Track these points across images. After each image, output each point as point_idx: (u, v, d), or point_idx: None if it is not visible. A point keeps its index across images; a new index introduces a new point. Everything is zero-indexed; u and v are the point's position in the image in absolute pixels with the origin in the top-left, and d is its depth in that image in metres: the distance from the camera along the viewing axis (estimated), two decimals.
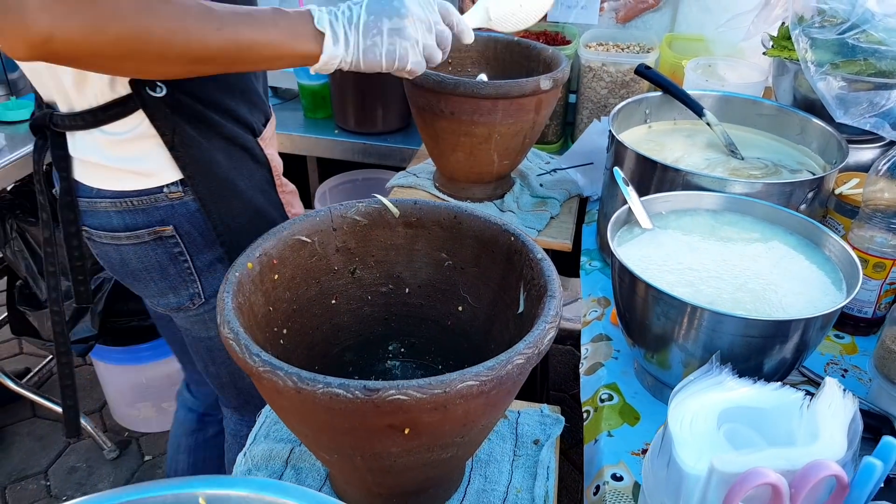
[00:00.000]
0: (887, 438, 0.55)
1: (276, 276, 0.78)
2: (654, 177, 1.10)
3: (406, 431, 0.61)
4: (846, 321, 1.09)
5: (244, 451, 0.87)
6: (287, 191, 1.16)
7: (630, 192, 0.99)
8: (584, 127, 1.67)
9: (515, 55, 1.43)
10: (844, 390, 0.62)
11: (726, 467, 0.53)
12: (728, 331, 0.82)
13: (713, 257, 0.94)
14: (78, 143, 0.98)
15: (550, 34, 1.71)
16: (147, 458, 2.07)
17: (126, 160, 0.96)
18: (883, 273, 1.03)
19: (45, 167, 1.05)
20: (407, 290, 0.87)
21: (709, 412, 0.62)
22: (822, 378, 1.00)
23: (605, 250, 1.27)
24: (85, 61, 0.74)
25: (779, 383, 0.65)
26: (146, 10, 0.71)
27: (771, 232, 1.00)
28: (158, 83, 0.91)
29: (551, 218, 1.37)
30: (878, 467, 0.52)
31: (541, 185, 1.45)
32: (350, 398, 0.57)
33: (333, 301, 0.85)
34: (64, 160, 0.99)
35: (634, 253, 0.95)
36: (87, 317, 1.73)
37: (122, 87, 0.91)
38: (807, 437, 0.58)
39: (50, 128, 0.98)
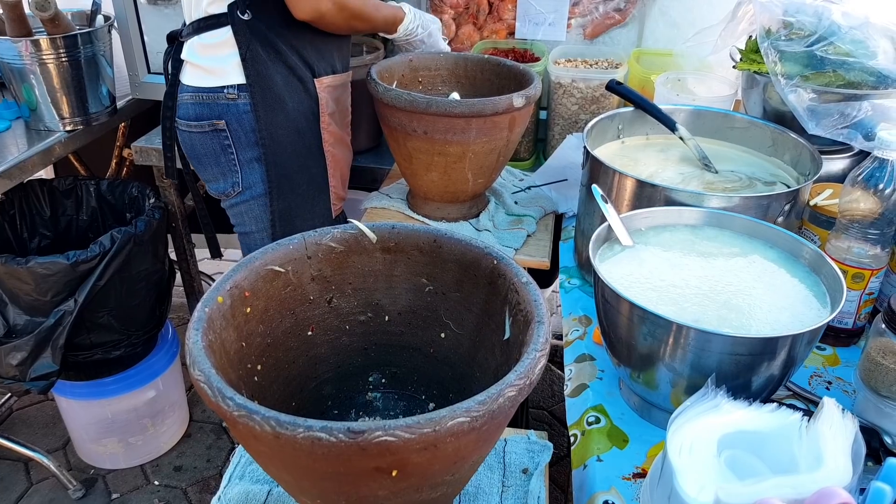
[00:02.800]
0: (891, 461, 0.54)
1: (249, 310, 0.74)
2: (631, 193, 1.09)
3: (394, 474, 0.58)
4: (827, 333, 1.08)
5: (219, 495, 0.82)
6: (330, 130, 1.39)
7: (609, 210, 0.98)
8: (556, 143, 1.66)
9: (486, 73, 1.42)
10: (843, 410, 0.60)
11: (732, 499, 0.51)
12: (716, 349, 0.81)
13: (695, 273, 0.93)
14: (186, 48, 1.34)
15: (519, 51, 1.71)
16: (115, 496, 1.99)
17: (207, 59, 1.31)
18: (862, 284, 1.02)
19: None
20: (387, 317, 0.84)
21: (708, 439, 0.60)
22: (809, 392, 1.00)
23: (583, 268, 1.25)
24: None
25: (775, 404, 0.64)
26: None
27: (751, 246, 0.99)
28: (248, 9, 1.26)
29: (528, 235, 1.35)
30: (887, 493, 0.50)
31: (515, 203, 1.43)
32: (333, 442, 0.54)
33: (310, 332, 0.81)
34: (177, 62, 1.36)
35: (616, 271, 0.93)
36: (48, 352, 1.65)
37: (219, 8, 1.27)
38: (810, 462, 0.56)
39: (177, 38, 1.35)
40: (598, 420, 0.95)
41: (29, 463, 2.05)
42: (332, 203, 1.44)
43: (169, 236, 1.92)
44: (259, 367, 0.75)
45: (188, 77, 1.35)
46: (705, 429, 0.60)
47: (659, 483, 0.60)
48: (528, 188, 1.46)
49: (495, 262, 0.76)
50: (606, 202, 0.98)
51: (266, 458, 0.61)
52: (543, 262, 1.30)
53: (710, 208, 1.02)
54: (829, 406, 0.59)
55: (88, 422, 1.95)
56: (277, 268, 0.76)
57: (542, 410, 2.28)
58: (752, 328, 0.84)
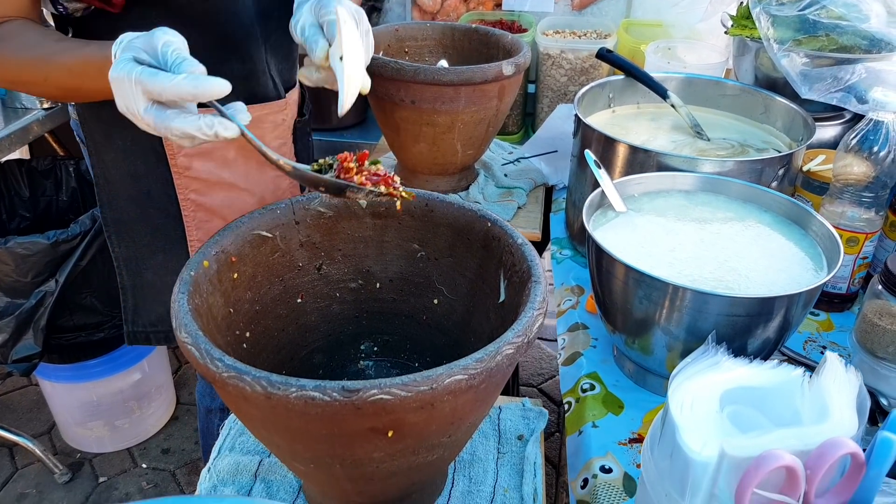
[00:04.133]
0: None
1: (236, 275, 0.72)
2: (623, 159, 1.08)
3: (389, 434, 0.56)
4: (821, 298, 1.08)
5: (208, 467, 0.80)
6: (190, 175, 1.02)
7: (602, 175, 0.96)
8: (545, 116, 1.64)
9: (474, 42, 1.39)
10: (847, 364, 0.59)
11: (738, 451, 0.50)
12: (713, 311, 0.80)
13: (691, 238, 0.92)
14: None
15: (507, 23, 1.68)
16: (102, 479, 1.96)
17: None
18: (856, 248, 1.02)
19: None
20: (378, 284, 0.82)
21: (709, 395, 0.59)
22: (804, 357, 0.99)
23: (575, 238, 1.24)
24: None
25: (776, 361, 0.62)
26: None
27: (745, 210, 0.98)
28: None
29: (518, 208, 1.33)
30: (894, 441, 0.49)
31: (505, 176, 1.41)
32: (327, 401, 0.52)
33: (299, 300, 0.79)
34: None
35: (610, 237, 0.92)
36: (30, 333, 1.62)
37: None
38: (814, 416, 0.55)
39: None
40: (592, 387, 0.94)
41: (14, 448, 2.02)
42: None
43: None
44: (248, 335, 0.73)
45: None
46: (706, 385, 0.59)
47: (660, 441, 0.59)
48: (518, 160, 1.44)
49: (489, 224, 0.74)
50: (599, 167, 0.97)
51: (257, 421, 0.59)
52: (534, 234, 1.28)
53: (703, 174, 1.00)
54: (833, 361, 0.58)
55: (73, 405, 1.92)
56: (264, 233, 0.74)
57: (531, 388, 2.28)
58: (750, 290, 0.83)
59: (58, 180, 1.89)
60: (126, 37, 0.67)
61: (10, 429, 1.96)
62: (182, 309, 0.60)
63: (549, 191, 1.44)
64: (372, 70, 1.18)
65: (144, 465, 2.01)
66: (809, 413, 0.56)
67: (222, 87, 0.63)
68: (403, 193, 0.68)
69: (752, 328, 0.81)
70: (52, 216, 1.91)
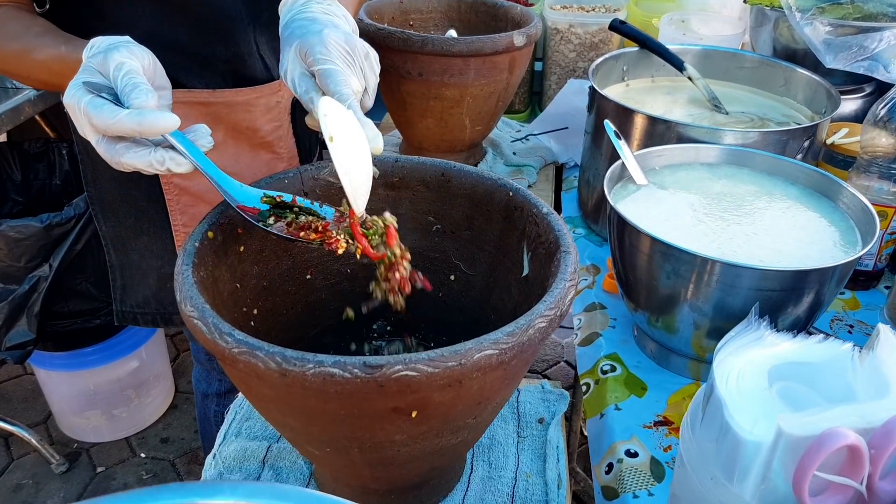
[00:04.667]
0: None
1: (242, 248, 0.67)
2: (642, 132, 1.03)
3: (413, 415, 0.52)
4: None
5: (213, 453, 0.76)
6: None
7: (623, 147, 0.92)
8: (553, 94, 1.59)
9: (482, 15, 1.34)
10: None
11: (796, 430, 0.46)
12: (744, 285, 0.76)
13: (717, 212, 0.88)
14: None
15: None
16: (100, 469, 1.92)
17: None
18: (885, 222, 0.98)
19: None
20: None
21: (756, 371, 0.55)
22: (832, 335, 0.95)
23: (588, 217, 1.20)
24: None
25: (822, 335, 0.58)
26: None
27: (771, 183, 0.94)
28: None
29: (529, 186, 1.28)
30: None
31: (514, 154, 1.37)
32: (348, 378, 0.48)
33: (308, 276, 0.75)
34: None
35: (632, 210, 0.88)
36: (23, 320, 1.57)
37: None
38: (872, 392, 0.51)
39: None
40: (613, 368, 0.90)
41: (9, 438, 1.97)
42: (177, 245, 1.01)
43: None
44: (255, 312, 0.68)
45: None
46: (752, 361, 0.55)
47: (703, 421, 0.55)
48: (527, 138, 1.40)
49: (510, 194, 0.70)
50: (620, 138, 0.92)
51: (270, 401, 0.55)
52: None
53: (727, 145, 0.96)
54: (886, 333, 0.54)
55: (70, 394, 1.88)
56: None
57: (535, 374, 2.24)
58: (781, 263, 0.79)
59: (51, 164, 1.83)
60: (94, 43, 0.62)
61: (5, 418, 1.91)
62: (187, 281, 0.55)
63: (559, 169, 1.40)
64: (377, 41, 1.13)
65: (143, 455, 1.96)
66: (866, 389, 0.52)
67: (169, 122, 0.57)
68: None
69: (784, 305, 0.77)
70: (45, 200, 1.86)
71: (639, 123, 1.03)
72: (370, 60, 0.66)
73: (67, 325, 1.71)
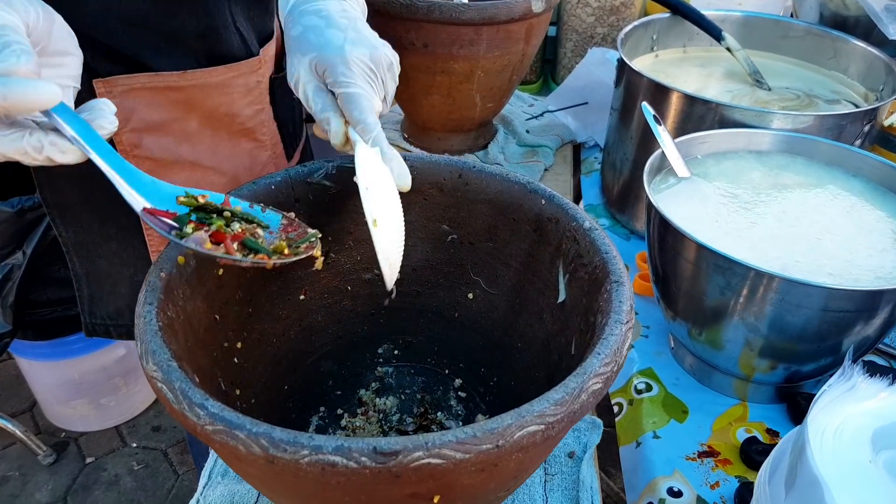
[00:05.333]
0: None
1: (221, 272, 0.56)
2: (677, 113, 0.91)
3: (435, 500, 0.42)
4: None
5: (196, 499, 0.66)
6: (139, 155, 0.80)
7: (663, 134, 0.80)
8: (569, 62, 1.46)
9: None
10: None
11: None
12: (809, 305, 0.65)
13: (771, 210, 0.76)
14: None
15: None
16: (89, 460, 1.84)
17: None
18: None
19: None
20: (398, 275, 0.67)
21: (855, 433, 0.44)
22: (890, 347, 0.85)
23: (613, 206, 1.08)
24: None
25: None
26: None
27: (829, 175, 0.82)
28: None
29: (545, 170, 1.17)
30: None
31: (527, 132, 1.24)
32: (354, 468, 0.37)
33: (302, 296, 0.64)
34: None
35: (675, 209, 0.76)
36: None
37: None
38: None
39: None
40: (648, 387, 0.80)
41: None
42: (151, 251, 0.87)
43: None
44: (239, 346, 0.57)
45: None
46: (849, 419, 0.45)
47: (790, 494, 0.45)
48: (542, 114, 1.27)
49: (542, 201, 0.58)
50: (660, 124, 0.80)
51: (256, 480, 0.45)
52: None
53: (782, 131, 0.84)
54: None
55: (54, 383, 1.78)
56: None
57: None
58: (853, 276, 0.68)
59: None
60: None
61: None
62: (149, 328, 0.44)
63: (577, 148, 1.27)
64: (375, 7, 1.00)
65: (134, 444, 1.88)
66: None
67: (45, 94, 0.44)
68: (317, 254, 0.53)
69: (852, 325, 0.67)
70: (18, 178, 1.73)
71: (674, 103, 0.91)
72: (392, 70, 0.61)
73: (47, 314, 1.60)
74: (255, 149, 0.86)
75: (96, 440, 1.89)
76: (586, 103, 1.24)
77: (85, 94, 0.77)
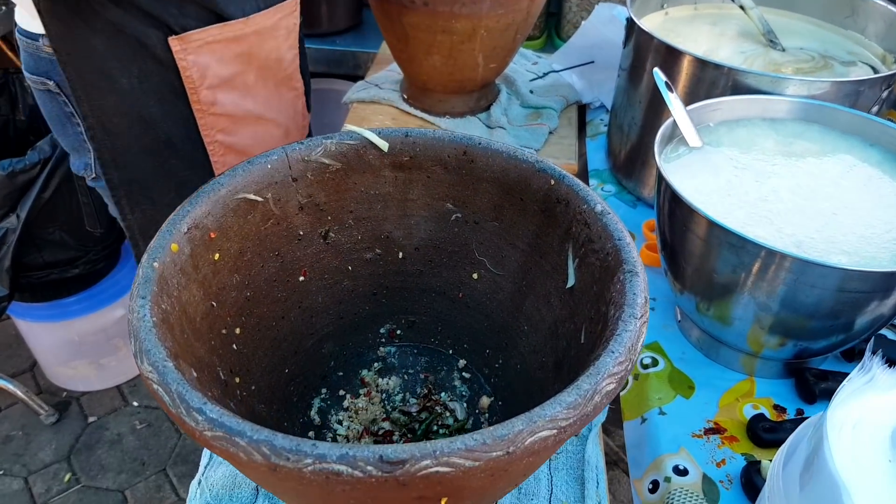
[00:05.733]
0: None
1: (217, 256, 0.54)
2: (688, 77, 0.88)
3: (443, 502, 0.40)
4: None
5: (198, 479, 0.65)
6: (214, 112, 0.87)
7: (674, 102, 0.77)
8: (573, 17, 1.41)
9: None
10: None
11: None
12: (821, 284, 0.63)
13: (786, 183, 0.74)
14: None
15: None
16: (91, 419, 1.85)
17: None
18: None
19: None
20: (400, 254, 0.65)
21: (875, 429, 0.43)
22: None
23: (619, 171, 1.05)
24: None
25: None
26: None
27: (846, 145, 0.79)
28: None
29: (549, 133, 1.13)
30: None
31: (531, 92, 1.20)
32: (360, 477, 0.36)
33: (302, 278, 0.62)
34: None
35: (687, 182, 0.74)
36: None
37: None
38: None
39: None
40: (654, 362, 0.79)
41: None
42: None
43: None
44: (238, 331, 0.56)
45: (18, 12, 0.87)
46: (869, 413, 0.43)
47: (805, 489, 0.44)
48: (546, 74, 1.23)
49: (552, 182, 0.56)
50: (671, 91, 0.77)
51: (258, 480, 0.43)
52: (570, 165, 1.09)
53: (795, 97, 0.81)
54: None
55: (53, 344, 1.78)
56: (252, 196, 0.55)
57: None
58: (869, 254, 0.66)
59: (12, 97, 1.65)
60: None
61: None
62: (143, 325, 0.42)
63: (582, 109, 1.24)
64: None
65: (136, 404, 1.89)
66: None
67: None
68: None
69: (863, 304, 0.65)
70: (10, 139, 1.69)
71: (686, 67, 0.87)
72: None
73: (43, 276, 1.59)
74: (294, 98, 0.95)
75: (98, 399, 1.89)
76: (592, 62, 1.20)
77: (161, 54, 0.82)
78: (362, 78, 1.30)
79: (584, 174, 1.12)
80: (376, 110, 1.18)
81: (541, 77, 1.22)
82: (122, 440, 1.80)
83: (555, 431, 0.38)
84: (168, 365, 0.40)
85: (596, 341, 0.47)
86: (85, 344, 1.78)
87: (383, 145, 0.59)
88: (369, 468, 0.36)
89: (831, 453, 0.41)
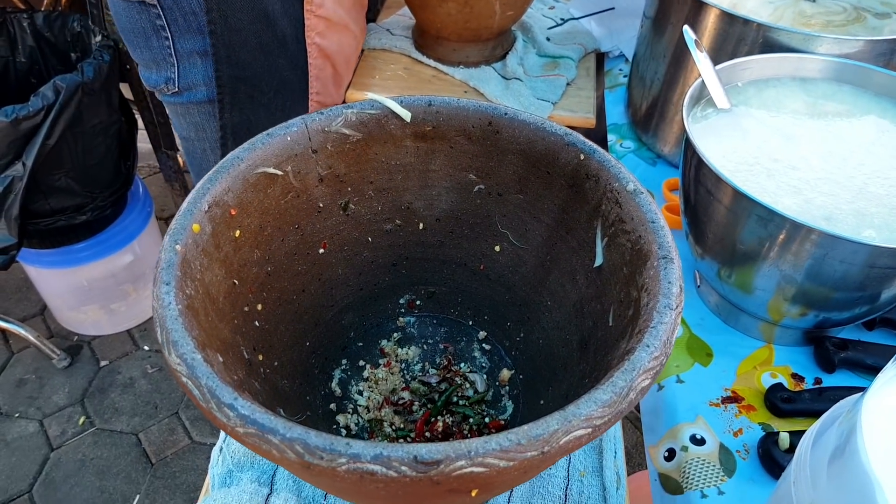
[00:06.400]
0: None
1: (238, 233, 0.53)
2: (714, 33, 0.84)
3: (473, 494, 0.40)
4: None
5: (220, 446, 0.66)
6: (321, 14, 0.93)
7: (703, 62, 0.74)
8: None
9: None
10: None
11: None
12: (850, 260, 0.62)
13: (817, 150, 0.72)
14: None
15: None
16: (103, 363, 1.87)
17: None
18: None
19: None
20: (421, 225, 0.63)
21: None
22: None
23: (639, 126, 1.03)
24: None
25: None
26: None
27: (878, 107, 0.77)
28: None
29: (567, 84, 1.10)
30: None
31: (548, 40, 1.16)
32: (393, 476, 0.35)
33: (321, 250, 0.60)
34: None
35: (714, 147, 0.72)
36: (2, 223, 1.44)
37: None
38: None
39: None
40: None
41: (6, 332, 1.90)
42: None
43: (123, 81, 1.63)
44: (259, 308, 0.55)
45: None
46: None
47: (833, 478, 0.44)
48: (565, 21, 1.18)
49: (581, 156, 0.54)
50: (701, 51, 0.74)
51: (291, 471, 0.43)
52: (588, 119, 1.06)
53: (825, 55, 0.78)
54: None
55: (63, 290, 1.78)
56: (272, 170, 0.54)
57: None
58: None
59: (11, 38, 1.61)
60: None
61: None
62: (168, 313, 0.42)
63: (600, 58, 1.20)
64: None
65: (147, 348, 1.91)
66: None
67: None
68: None
69: (892, 279, 0.64)
70: (10, 80, 1.65)
71: (712, 21, 0.84)
72: None
73: (51, 223, 1.58)
74: (363, 13, 1.03)
75: (109, 343, 1.92)
76: (613, 9, 1.15)
77: None
78: (372, 21, 1.25)
79: (600, 129, 1.09)
80: (388, 59, 1.14)
81: (559, 24, 1.18)
82: (135, 384, 1.83)
83: (589, 430, 0.37)
84: (197, 357, 0.39)
85: (626, 328, 0.46)
86: (94, 289, 1.78)
87: (406, 115, 0.57)
88: (403, 468, 0.35)
89: (864, 445, 0.41)
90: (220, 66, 0.90)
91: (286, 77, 0.95)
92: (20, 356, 1.88)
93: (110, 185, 1.62)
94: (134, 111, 1.71)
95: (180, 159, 1.89)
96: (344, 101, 1.07)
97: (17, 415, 1.76)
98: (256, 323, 0.54)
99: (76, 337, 1.92)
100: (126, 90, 1.65)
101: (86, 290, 1.78)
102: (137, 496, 1.59)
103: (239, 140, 0.95)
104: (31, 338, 1.81)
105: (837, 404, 0.50)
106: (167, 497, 1.60)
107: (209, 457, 0.70)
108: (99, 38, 1.49)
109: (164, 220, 2.20)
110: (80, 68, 1.38)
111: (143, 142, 1.97)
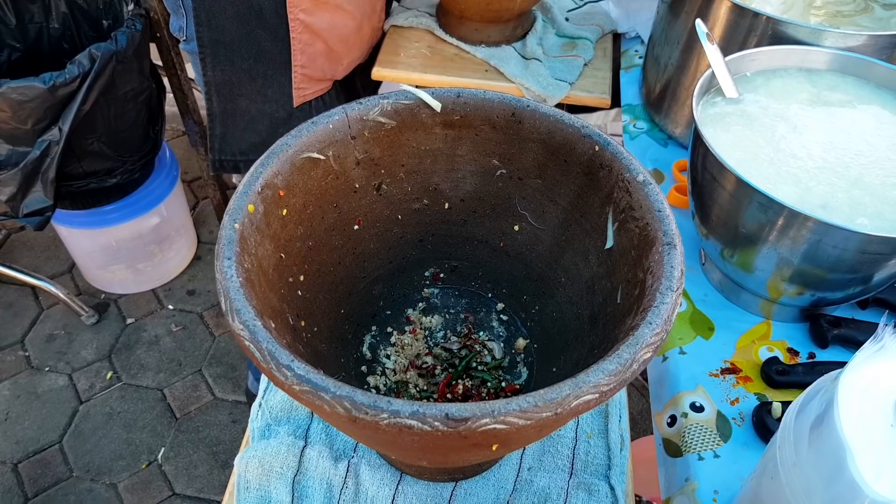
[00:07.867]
0: None
1: (285, 211, 0.58)
2: (725, 24, 0.88)
3: (494, 447, 0.47)
4: None
5: (259, 402, 0.73)
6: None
7: (714, 54, 0.78)
8: None
9: None
10: None
11: None
12: (843, 246, 0.67)
13: (818, 138, 0.76)
14: None
15: None
16: (129, 321, 1.95)
17: None
18: None
19: None
20: (446, 205, 0.69)
21: (882, 394, 0.48)
22: None
23: (652, 107, 1.07)
24: None
25: None
26: None
27: (879, 98, 0.81)
28: None
29: (584, 65, 1.14)
30: None
31: (567, 20, 1.20)
32: (428, 430, 0.42)
33: (356, 226, 0.66)
34: None
35: (721, 135, 0.76)
36: (38, 185, 1.50)
37: None
38: None
39: None
40: None
41: (36, 288, 1.98)
42: (294, 87, 1.04)
43: (153, 46, 1.67)
44: (302, 279, 0.61)
45: None
46: (877, 384, 0.49)
47: (811, 446, 0.50)
48: (584, 3, 1.22)
49: (597, 147, 0.59)
50: (712, 43, 0.78)
51: (335, 425, 0.50)
52: (603, 100, 1.10)
53: (830, 48, 0.82)
54: None
55: (92, 250, 1.86)
56: (316, 154, 0.59)
57: None
58: (893, 216, 0.69)
59: (45, 5, 1.65)
60: None
61: (28, 271, 1.91)
62: (231, 285, 0.48)
63: (617, 38, 1.23)
64: None
65: (171, 307, 1.99)
66: None
67: None
68: None
69: (885, 262, 0.69)
70: (43, 47, 1.70)
71: (723, 13, 0.88)
72: None
73: (83, 185, 1.64)
74: None
75: (135, 302, 1.99)
76: None
77: None
78: (397, 0, 1.29)
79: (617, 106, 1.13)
80: (412, 37, 1.18)
81: (579, 6, 1.21)
82: (160, 341, 1.91)
83: (597, 395, 0.43)
84: (257, 324, 0.45)
85: (632, 306, 0.51)
86: (122, 249, 1.85)
87: (436, 105, 0.62)
88: (437, 423, 0.42)
89: (839, 416, 0.47)
90: (200, 29, 1.00)
91: (265, 47, 1.01)
92: (49, 312, 1.96)
93: (139, 149, 1.68)
94: (162, 76, 1.76)
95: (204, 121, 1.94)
96: (346, 77, 1.11)
97: (47, 368, 1.84)
98: (299, 292, 0.60)
99: (103, 295, 2.00)
100: (155, 57, 1.70)
101: (114, 250, 1.85)
102: (163, 448, 1.68)
103: (222, 99, 1.05)
104: (60, 294, 1.89)
105: (821, 378, 0.55)
106: (191, 450, 1.69)
107: (231, 412, 0.77)
108: (131, 6, 1.53)
109: (188, 184, 2.26)
110: (114, 37, 1.42)
111: (170, 105, 2.02)
